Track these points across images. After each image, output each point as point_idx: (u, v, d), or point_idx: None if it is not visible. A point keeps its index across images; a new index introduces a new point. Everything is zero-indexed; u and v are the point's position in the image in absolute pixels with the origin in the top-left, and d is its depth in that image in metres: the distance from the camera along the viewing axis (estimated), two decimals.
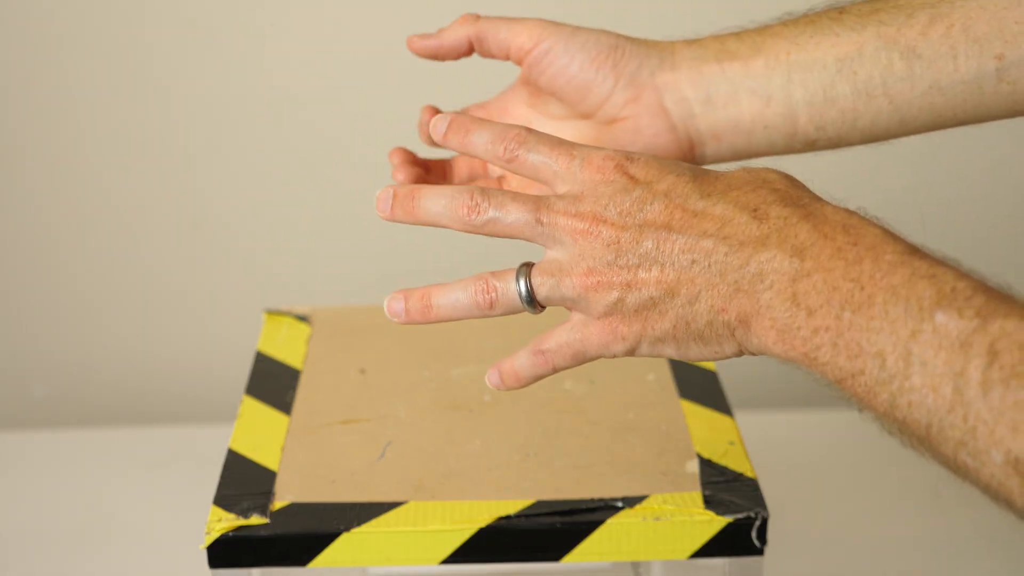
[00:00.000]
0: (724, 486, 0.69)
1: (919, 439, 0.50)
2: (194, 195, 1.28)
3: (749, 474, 0.71)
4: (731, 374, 0.90)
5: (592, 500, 0.68)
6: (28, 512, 1.05)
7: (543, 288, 0.58)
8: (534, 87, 0.71)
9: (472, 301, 0.60)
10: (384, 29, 1.23)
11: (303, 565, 0.67)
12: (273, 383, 0.81)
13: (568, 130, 0.71)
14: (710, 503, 0.68)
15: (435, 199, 0.60)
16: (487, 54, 0.71)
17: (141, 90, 1.24)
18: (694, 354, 0.58)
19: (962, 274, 0.50)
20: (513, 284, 0.59)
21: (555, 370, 0.60)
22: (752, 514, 0.67)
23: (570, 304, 0.59)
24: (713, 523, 0.67)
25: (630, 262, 0.56)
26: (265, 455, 0.73)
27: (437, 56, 0.71)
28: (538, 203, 0.58)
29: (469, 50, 0.71)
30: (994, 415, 0.46)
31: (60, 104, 1.24)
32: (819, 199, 0.57)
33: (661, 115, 0.69)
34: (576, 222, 0.57)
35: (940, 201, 1.30)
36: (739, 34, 0.70)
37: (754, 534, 0.67)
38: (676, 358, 0.58)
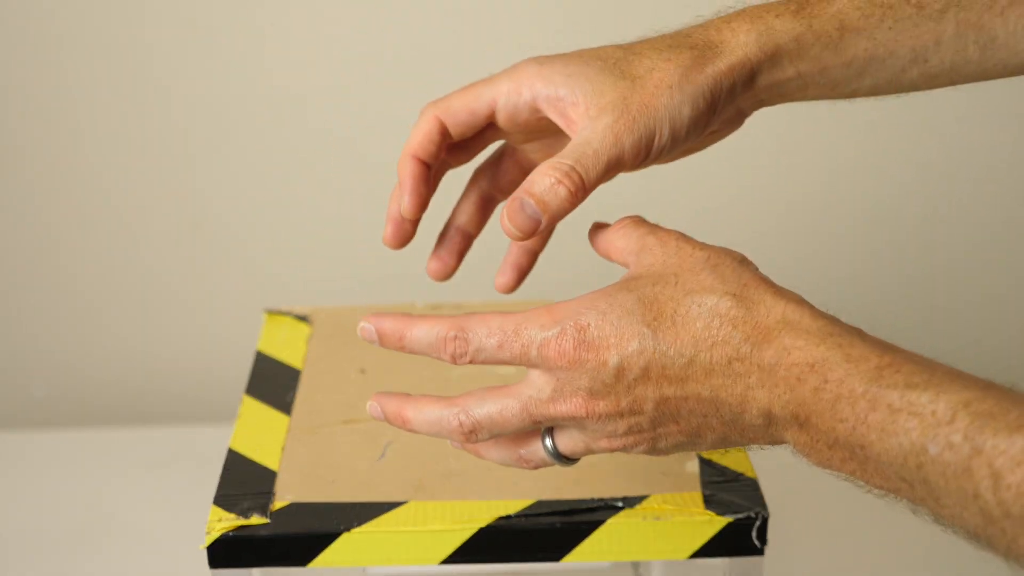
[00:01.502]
0: (724, 486, 0.69)
1: (975, 542, 0.51)
2: (194, 195, 1.28)
3: (749, 474, 0.71)
4: None
5: (592, 500, 0.68)
6: (28, 512, 1.05)
7: (575, 456, 0.60)
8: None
9: (510, 462, 0.61)
10: (384, 29, 1.23)
11: (303, 565, 0.67)
12: (273, 383, 0.81)
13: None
14: (710, 503, 0.68)
15: (426, 427, 0.61)
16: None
17: (141, 90, 1.24)
18: (741, 447, 0.60)
19: (937, 391, 0.50)
20: (544, 455, 0.60)
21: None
22: (752, 514, 0.67)
23: None
24: (713, 523, 0.67)
25: (644, 425, 0.57)
26: (265, 455, 0.73)
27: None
28: (524, 408, 0.57)
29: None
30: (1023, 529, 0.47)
31: (60, 104, 1.24)
32: (769, 304, 0.55)
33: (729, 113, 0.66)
34: (572, 410, 0.57)
35: (940, 202, 1.31)
36: (813, 22, 0.64)
37: (754, 534, 0.67)
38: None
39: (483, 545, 0.67)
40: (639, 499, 0.68)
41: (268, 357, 0.85)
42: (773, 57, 0.63)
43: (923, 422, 0.49)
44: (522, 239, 0.60)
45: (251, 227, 1.30)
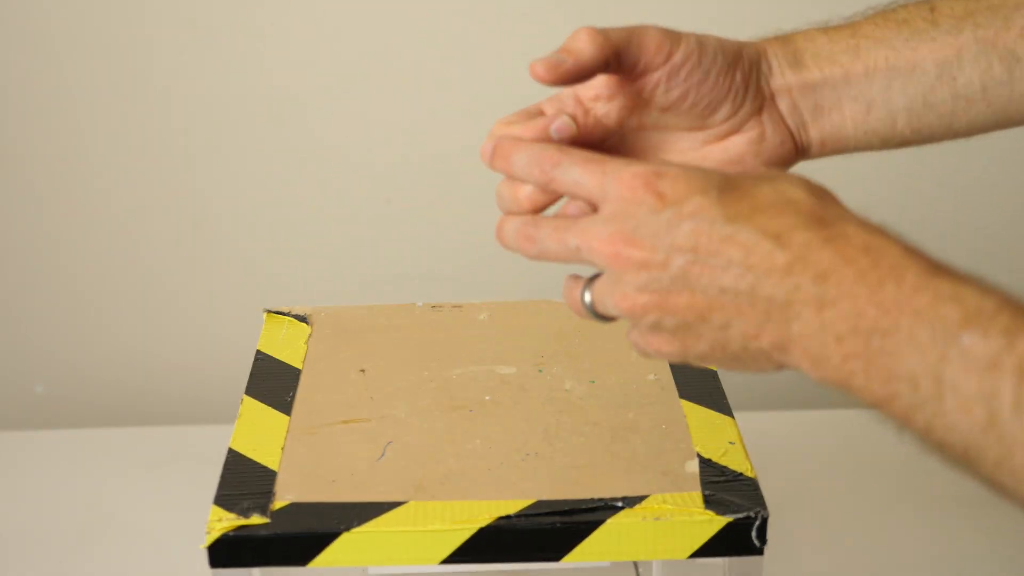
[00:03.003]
0: (724, 486, 0.69)
1: (958, 459, 0.50)
2: (194, 195, 1.28)
3: (749, 474, 0.71)
4: (731, 374, 0.90)
5: (592, 500, 0.68)
6: (28, 512, 1.05)
7: (599, 307, 0.60)
8: (642, 100, 0.67)
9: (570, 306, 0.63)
10: (384, 29, 1.23)
11: (303, 565, 0.68)
12: (273, 383, 0.81)
13: (674, 143, 0.69)
14: (710, 503, 0.68)
15: (509, 229, 0.63)
16: (615, 71, 0.65)
17: (141, 90, 1.24)
18: (738, 370, 0.59)
19: (986, 290, 0.50)
20: (580, 298, 0.61)
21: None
22: (752, 514, 0.67)
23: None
24: (713, 523, 0.67)
25: (661, 286, 0.56)
26: (265, 455, 0.73)
27: (576, 79, 0.64)
28: (571, 230, 0.59)
29: (604, 69, 0.65)
30: None
31: (60, 104, 1.24)
32: (843, 214, 0.56)
33: (781, 125, 0.68)
34: (608, 246, 0.57)
35: (940, 205, 1.31)
36: (830, 33, 0.69)
37: (754, 534, 0.67)
38: (724, 369, 0.60)
39: (483, 545, 0.67)
40: (639, 499, 0.68)
41: (268, 357, 0.85)
42: (787, 44, 0.67)
43: (965, 311, 0.49)
44: (545, 80, 0.62)
45: (251, 227, 1.30)
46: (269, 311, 0.90)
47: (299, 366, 0.83)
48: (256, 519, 0.67)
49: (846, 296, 0.52)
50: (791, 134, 0.68)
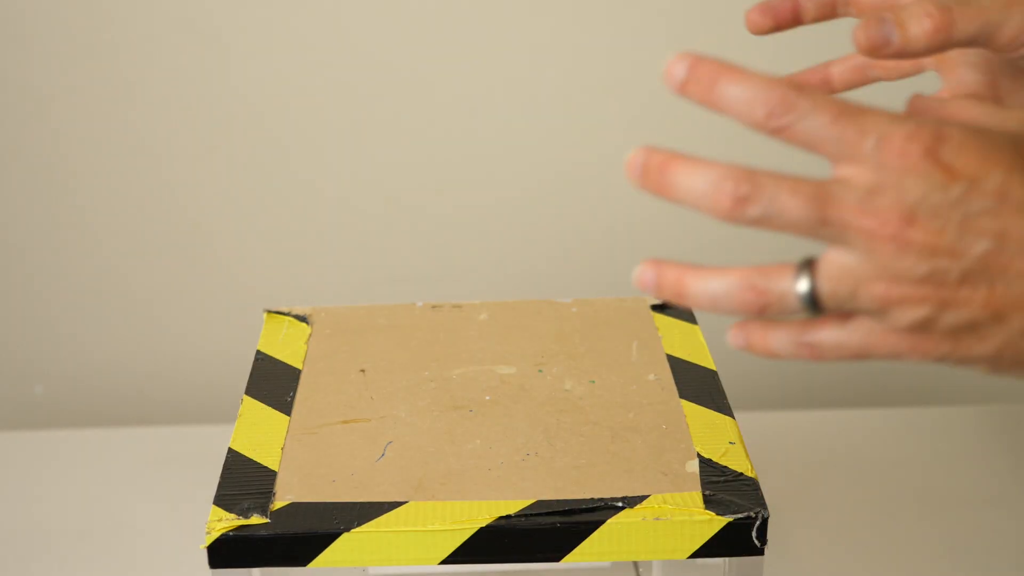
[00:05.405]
0: (724, 486, 0.69)
1: None
2: (193, 195, 1.28)
3: (749, 474, 0.71)
4: (731, 374, 0.90)
5: (592, 500, 0.68)
6: (28, 512, 1.05)
7: (834, 298, 0.48)
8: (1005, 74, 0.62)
9: (737, 303, 0.50)
10: (384, 29, 1.23)
11: (303, 565, 0.68)
12: (273, 383, 0.81)
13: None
14: (710, 503, 0.68)
15: (692, 178, 0.48)
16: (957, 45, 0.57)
17: (140, 90, 1.24)
18: (1015, 375, 0.50)
19: None
20: (792, 288, 0.49)
21: (819, 360, 0.51)
22: (752, 514, 0.67)
23: (863, 313, 0.49)
24: (713, 523, 0.67)
25: (949, 277, 0.46)
26: (265, 455, 0.73)
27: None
28: (823, 197, 0.47)
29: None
30: None
31: (59, 104, 1.24)
32: None
33: None
34: (876, 224, 0.46)
35: None
36: None
37: (754, 534, 0.67)
38: (986, 373, 0.51)
39: (483, 545, 0.67)
40: (639, 499, 0.68)
41: (268, 357, 0.85)
42: None
43: None
44: (866, 52, 0.53)
45: (251, 227, 1.30)
46: (269, 311, 0.90)
47: (299, 366, 0.83)
48: (256, 519, 0.67)
49: None
50: None
